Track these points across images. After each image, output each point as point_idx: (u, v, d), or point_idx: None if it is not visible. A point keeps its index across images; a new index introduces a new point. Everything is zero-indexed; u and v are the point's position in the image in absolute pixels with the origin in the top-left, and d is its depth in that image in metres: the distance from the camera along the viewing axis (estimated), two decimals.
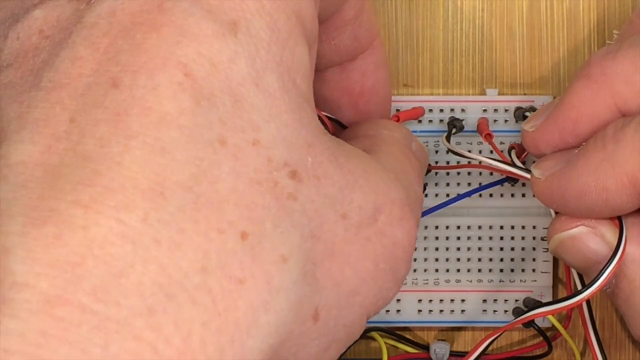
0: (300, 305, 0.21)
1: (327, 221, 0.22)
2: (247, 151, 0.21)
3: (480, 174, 0.35)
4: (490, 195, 0.35)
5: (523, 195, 0.35)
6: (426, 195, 0.35)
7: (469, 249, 0.35)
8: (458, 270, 0.36)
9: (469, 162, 0.34)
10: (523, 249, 0.35)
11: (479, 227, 0.35)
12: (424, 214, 0.34)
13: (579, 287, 0.31)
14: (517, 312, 0.35)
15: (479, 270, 0.36)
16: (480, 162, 0.33)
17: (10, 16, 0.22)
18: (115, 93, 0.20)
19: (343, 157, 0.23)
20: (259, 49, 0.21)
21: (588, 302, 0.31)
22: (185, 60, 0.20)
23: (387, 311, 0.36)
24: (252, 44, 0.21)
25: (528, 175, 0.31)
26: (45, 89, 0.20)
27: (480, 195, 0.35)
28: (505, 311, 0.36)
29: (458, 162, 0.35)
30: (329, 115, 0.31)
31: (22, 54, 0.21)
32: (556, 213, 0.30)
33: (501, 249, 0.35)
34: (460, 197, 0.35)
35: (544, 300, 0.35)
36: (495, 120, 0.35)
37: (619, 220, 0.29)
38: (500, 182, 0.35)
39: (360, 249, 0.23)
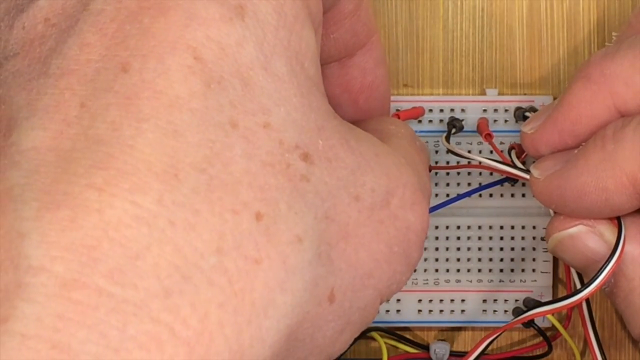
0: (315, 286, 0.22)
1: (341, 203, 0.22)
2: (258, 134, 0.21)
3: (480, 174, 0.35)
4: (490, 195, 0.35)
5: (523, 195, 0.35)
6: None
7: (469, 249, 0.35)
8: (458, 270, 0.36)
9: (469, 162, 0.34)
10: (523, 249, 0.35)
11: (479, 227, 0.35)
12: None
13: (579, 287, 0.31)
14: (517, 312, 0.35)
15: (479, 270, 0.36)
16: (480, 162, 0.33)
17: (14, 6, 0.22)
18: (125, 77, 0.20)
19: (354, 140, 0.24)
20: (266, 33, 0.21)
21: (588, 302, 0.31)
22: (195, 43, 0.20)
23: (387, 311, 0.36)
24: (259, 28, 0.21)
25: (528, 176, 0.31)
26: (53, 75, 0.20)
27: (480, 195, 0.35)
28: (505, 311, 0.36)
29: (458, 162, 0.35)
30: None
31: (29, 43, 0.21)
32: (555, 213, 0.30)
33: (501, 249, 0.35)
34: (460, 197, 0.35)
35: (544, 301, 0.35)
36: (495, 120, 0.35)
37: (617, 220, 0.29)
38: (500, 182, 0.35)
39: (374, 231, 0.23)
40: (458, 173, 0.35)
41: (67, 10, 0.21)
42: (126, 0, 0.21)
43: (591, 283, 0.28)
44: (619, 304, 0.29)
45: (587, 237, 0.29)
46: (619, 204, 0.28)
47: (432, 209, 0.34)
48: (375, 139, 0.25)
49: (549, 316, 0.34)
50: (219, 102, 0.20)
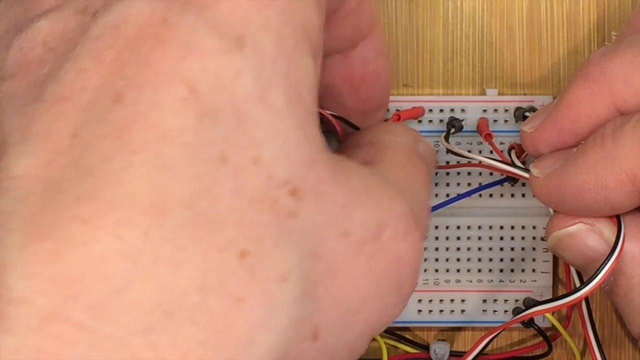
0: (299, 324, 0.21)
1: (328, 239, 0.22)
2: (248, 169, 0.20)
3: (480, 174, 0.35)
4: (490, 195, 0.35)
5: (523, 195, 0.35)
6: None
7: (469, 249, 0.35)
8: (458, 270, 0.36)
9: (468, 162, 0.34)
10: (523, 249, 0.35)
11: (479, 227, 0.35)
12: None
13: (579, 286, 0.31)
14: (517, 312, 0.35)
15: (479, 270, 0.36)
16: (480, 162, 0.33)
17: (13, 26, 0.22)
18: (119, 108, 0.20)
19: (344, 174, 0.23)
20: (264, 64, 0.21)
21: (587, 301, 0.31)
22: (191, 76, 0.20)
23: None
24: (257, 59, 0.21)
25: (527, 175, 0.31)
26: (48, 101, 0.20)
27: (480, 195, 0.35)
28: (505, 311, 0.36)
29: (458, 162, 0.35)
30: (333, 113, 0.31)
31: (25, 65, 0.21)
32: (555, 212, 0.30)
33: (501, 249, 0.35)
34: (460, 197, 0.35)
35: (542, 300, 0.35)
36: (495, 120, 0.35)
37: (617, 218, 0.29)
38: (500, 182, 0.35)
39: (364, 266, 0.23)
40: (458, 173, 0.35)
41: (67, 34, 0.21)
42: (125, 28, 0.21)
43: (590, 281, 0.28)
44: (618, 303, 0.29)
45: (587, 235, 0.29)
46: (619, 202, 0.28)
47: (432, 209, 0.34)
48: (365, 170, 0.25)
49: (549, 316, 0.34)
50: (211, 136, 0.20)
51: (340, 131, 0.31)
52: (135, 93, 0.20)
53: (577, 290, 0.29)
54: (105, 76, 0.20)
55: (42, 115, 0.20)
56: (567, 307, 0.34)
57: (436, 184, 0.35)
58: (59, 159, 0.19)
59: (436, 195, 0.35)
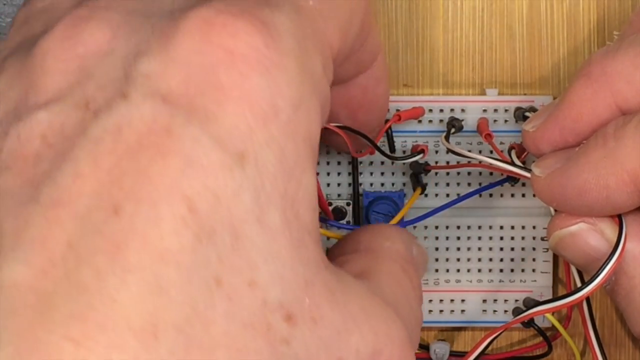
0: None
1: None
2: (242, 292, 0.20)
3: (480, 174, 0.35)
4: (490, 195, 0.35)
5: (523, 195, 0.35)
6: (426, 195, 0.35)
7: (469, 249, 0.35)
8: (458, 270, 0.36)
9: (469, 162, 0.34)
10: (523, 249, 0.35)
11: (479, 227, 0.35)
12: (425, 216, 0.34)
13: (579, 286, 0.31)
14: (517, 312, 0.35)
15: (479, 270, 0.36)
16: (480, 162, 0.33)
17: (13, 110, 0.21)
18: (116, 221, 0.19)
19: (342, 293, 0.23)
20: (264, 182, 0.21)
21: (588, 300, 0.31)
22: (190, 193, 0.20)
23: None
24: (258, 177, 0.21)
25: (528, 175, 0.31)
26: (44, 204, 0.20)
27: (480, 195, 0.35)
28: (505, 311, 0.36)
29: (458, 162, 0.35)
30: (338, 125, 0.31)
31: (22, 159, 0.21)
32: (556, 211, 0.30)
33: (501, 249, 0.35)
34: (460, 198, 0.35)
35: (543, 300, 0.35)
36: (495, 121, 0.35)
37: (618, 217, 0.29)
38: (500, 183, 0.35)
39: None
40: (458, 173, 0.35)
41: (66, 130, 0.21)
42: (126, 133, 0.20)
43: (592, 281, 0.28)
44: (619, 302, 0.29)
45: (588, 235, 0.29)
46: (620, 201, 0.28)
47: (432, 212, 0.34)
48: (363, 289, 0.24)
49: (549, 316, 0.34)
50: (207, 257, 0.20)
51: (348, 140, 0.31)
52: (133, 206, 0.19)
53: (578, 290, 0.29)
54: (103, 183, 0.20)
55: (37, 218, 0.19)
56: (568, 307, 0.34)
57: (436, 184, 0.35)
58: (53, 270, 0.19)
59: (436, 195, 0.35)
